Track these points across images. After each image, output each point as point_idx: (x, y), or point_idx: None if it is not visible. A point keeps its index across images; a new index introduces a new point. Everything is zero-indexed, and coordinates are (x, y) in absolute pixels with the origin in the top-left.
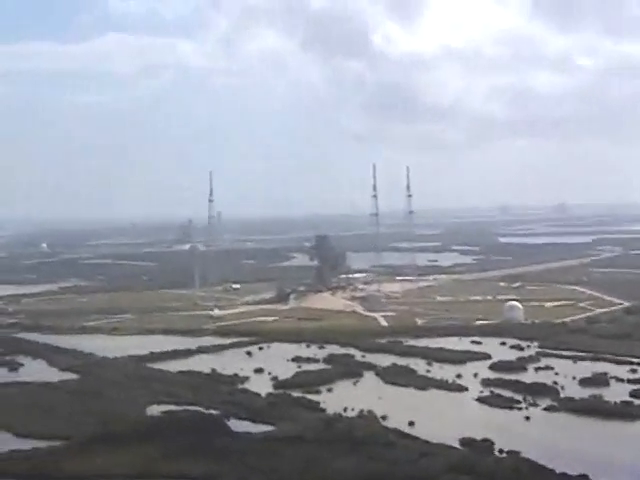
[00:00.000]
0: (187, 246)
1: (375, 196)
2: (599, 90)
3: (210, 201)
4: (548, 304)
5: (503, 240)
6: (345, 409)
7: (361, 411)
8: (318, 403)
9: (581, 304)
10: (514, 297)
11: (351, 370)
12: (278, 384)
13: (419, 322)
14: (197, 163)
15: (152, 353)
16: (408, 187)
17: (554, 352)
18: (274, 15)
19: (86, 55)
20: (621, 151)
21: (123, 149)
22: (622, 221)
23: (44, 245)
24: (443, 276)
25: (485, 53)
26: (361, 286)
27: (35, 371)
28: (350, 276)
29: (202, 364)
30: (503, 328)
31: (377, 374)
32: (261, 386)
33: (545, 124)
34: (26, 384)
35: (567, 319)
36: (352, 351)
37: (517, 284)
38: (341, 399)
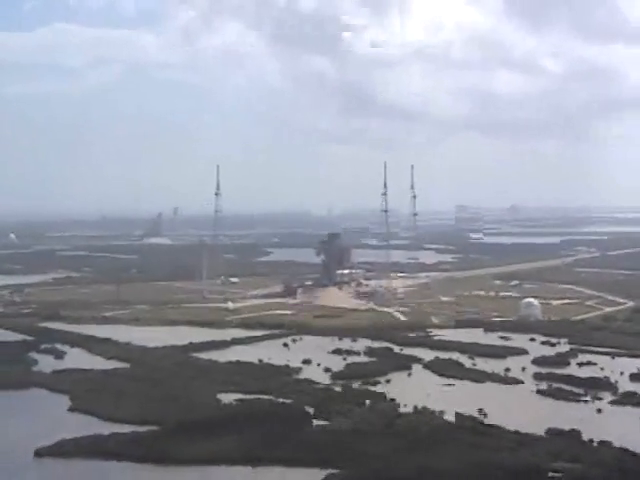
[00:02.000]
0: (159, 239)
1: (385, 194)
2: (561, 93)
3: (216, 194)
4: (555, 302)
5: (473, 239)
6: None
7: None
8: (383, 394)
9: (588, 302)
10: (518, 295)
11: (399, 363)
12: (335, 375)
13: (436, 317)
14: (146, 158)
15: (191, 343)
16: (412, 187)
17: (587, 348)
18: (242, 10)
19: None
20: (578, 153)
21: (72, 141)
22: (576, 223)
23: (12, 236)
24: (434, 273)
25: (454, 53)
26: (365, 282)
27: (81, 359)
28: (340, 272)
29: (244, 355)
30: (526, 324)
31: (426, 367)
32: (317, 377)
33: (504, 126)
34: (87, 371)
35: (581, 317)
36: (387, 344)
37: (514, 282)
38: (403, 390)
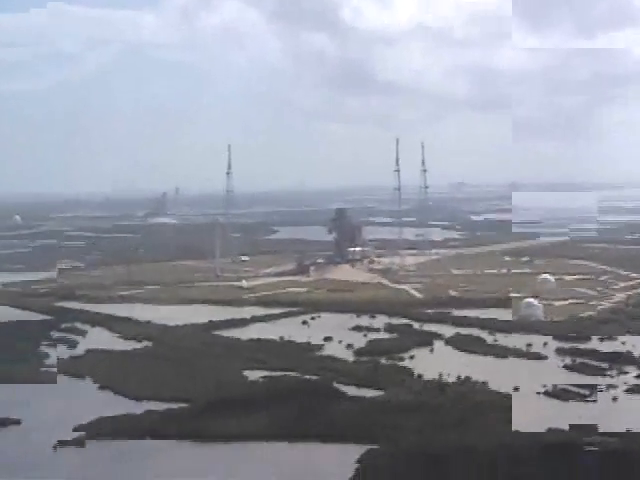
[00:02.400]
0: (164, 219)
1: (397, 171)
2: (563, 70)
3: (227, 174)
4: (568, 278)
5: (474, 218)
6: (440, 375)
7: (459, 377)
8: (411, 369)
9: (601, 278)
10: (529, 270)
11: (421, 339)
12: (358, 351)
13: (453, 293)
14: (145, 139)
15: (211, 321)
16: (423, 162)
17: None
18: None
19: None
20: (576, 128)
21: (72, 124)
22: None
23: (17, 217)
24: (443, 250)
25: (455, 31)
26: (377, 259)
27: (102, 339)
28: (352, 249)
29: (265, 332)
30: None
31: (447, 343)
32: (341, 353)
33: (504, 102)
34: (110, 351)
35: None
36: (405, 321)
37: (525, 258)
38: (428, 366)
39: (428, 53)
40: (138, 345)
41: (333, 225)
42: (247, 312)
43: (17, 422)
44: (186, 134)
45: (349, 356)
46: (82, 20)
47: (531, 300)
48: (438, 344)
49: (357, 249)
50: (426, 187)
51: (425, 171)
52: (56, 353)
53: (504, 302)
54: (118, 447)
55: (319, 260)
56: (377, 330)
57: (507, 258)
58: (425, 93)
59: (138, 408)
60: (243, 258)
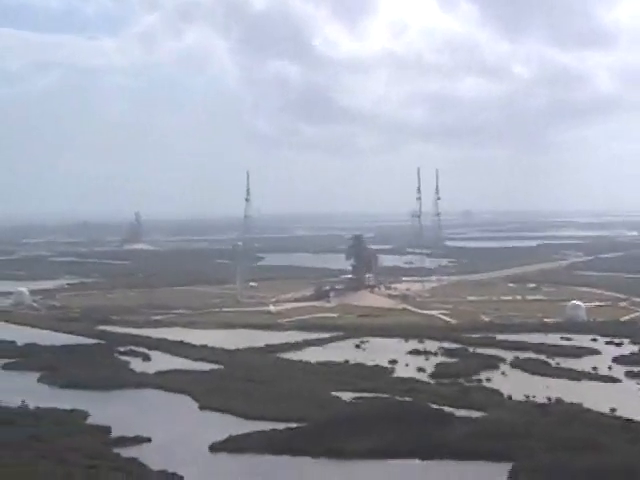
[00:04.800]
0: (140, 245)
1: (419, 198)
2: (523, 99)
3: (246, 200)
4: (587, 304)
5: (450, 244)
6: (527, 396)
7: (549, 398)
8: (498, 390)
9: (621, 304)
10: (541, 297)
11: (485, 362)
12: (433, 374)
13: (486, 319)
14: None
15: (268, 345)
16: (437, 189)
17: None
18: (205, 14)
19: None
20: (535, 159)
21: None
22: (537, 228)
23: None
24: (445, 277)
25: (424, 59)
26: (392, 285)
27: (168, 361)
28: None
29: (322, 355)
30: (581, 325)
31: (513, 366)
32: (415, 375)
33: (463, 131)
34: (189, 371)
35: (625, 318)
36: (456, 345)
37: (532, 285)
38: (511, 387)
39: (393, 81)
40: (210, 367)
41: (351, 252)
42: (290, 336)
43: (148, 440)
44: (139, 158)
45: (424, 378)
46: (31, 45)
47: (577, 302)
48: (504, 367)
49: (368, 275)
50: (438, 214)
51: (439, 199)
52: (135, 373)
53: (541, 327)
54: (259, 460)
55: (337, 286)
56: (435, 354)
57: (511, 285)
58: (384, 121)
59: (252, 426)
60: (252, 284)
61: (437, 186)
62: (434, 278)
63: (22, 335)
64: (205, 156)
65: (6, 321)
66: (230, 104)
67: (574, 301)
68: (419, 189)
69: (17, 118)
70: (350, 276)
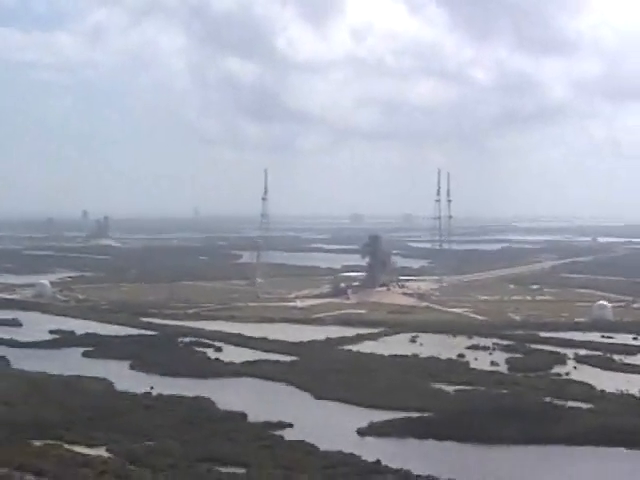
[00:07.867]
0: (106, 241)
1: (438, 200)
2: (475, 104)
3: (263, 199)
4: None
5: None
6: (618, 390)
7: None
8: (590, 384)
9: (634, 305)
10: (550, 298)
11: (552, 357)
12: (510, 368)
13: (516, 317)
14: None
15: (329, 338)
16: (448, 192)
17: None
18: (158, 11)
19: None
20: (474, 165)
21: None
22: (488, 232)
23: None
24: (445, 277)
25: (384, 62)
26: (406, 284)
27: (240, 353)
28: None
29: (386, 349)
30: (611, 324)
31: (580, 362)
32: (494, 369)
33: (410, 135)
34: (275, 362)
35: None
36: (506, 342)
37: (535, 286)
38: (597, 382)
39: (349, 83)
40: (284, 359)
41: (366, 251)
42: (336, 331)
43: (290, 425)
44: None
45: (506, 370)
46: None
47: (603, 302)
48: (571, 362)
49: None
50: (450, 217)
51: (450, 201)
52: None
53: (574, 326)
54: (411, 444)
55: (355, 283)
56: (493, 349)
57: (512, 286)
58: (330, 122)
59: (373, 415)
60: (259, 280)
61: (448, 189)
62: (432, 279)
63: (71, 325)
64: (146, 156)
65: (43, 312)
66: (177, 103)
67: (601, 301)
68: (439, 192)
69: None
70: (365, 274)
